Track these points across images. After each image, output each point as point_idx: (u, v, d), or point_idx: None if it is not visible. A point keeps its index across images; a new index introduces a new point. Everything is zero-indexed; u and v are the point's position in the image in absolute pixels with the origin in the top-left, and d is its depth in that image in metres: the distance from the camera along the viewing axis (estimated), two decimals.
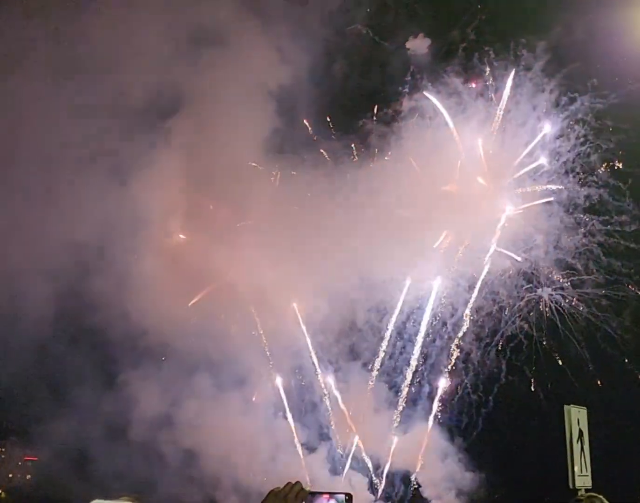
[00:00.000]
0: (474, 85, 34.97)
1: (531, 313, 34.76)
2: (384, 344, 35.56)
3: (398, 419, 35.57)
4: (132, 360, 34.95)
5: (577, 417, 17.73)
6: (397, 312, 35.31)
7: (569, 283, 34.33)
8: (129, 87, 33.15)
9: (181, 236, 34.90)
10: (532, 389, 33.71)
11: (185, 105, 34.57)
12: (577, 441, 17.72)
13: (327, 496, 5.31)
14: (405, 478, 35.80)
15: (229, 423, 34.57)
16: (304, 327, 35.40)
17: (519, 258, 34.50)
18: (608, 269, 33.98)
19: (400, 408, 35.64)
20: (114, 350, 34.87)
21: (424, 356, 35.61)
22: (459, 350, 35.03)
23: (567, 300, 34.22)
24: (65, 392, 34.47)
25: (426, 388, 35.72)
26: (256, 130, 34.99)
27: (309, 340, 35.43)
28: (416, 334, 35.73)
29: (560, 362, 33.74)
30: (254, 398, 35.61)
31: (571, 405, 17.82)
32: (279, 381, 36.09)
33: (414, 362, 35.43)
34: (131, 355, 34.83)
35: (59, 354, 34.01)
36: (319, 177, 34.99)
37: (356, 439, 35.44)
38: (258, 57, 34.57)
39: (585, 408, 17.94)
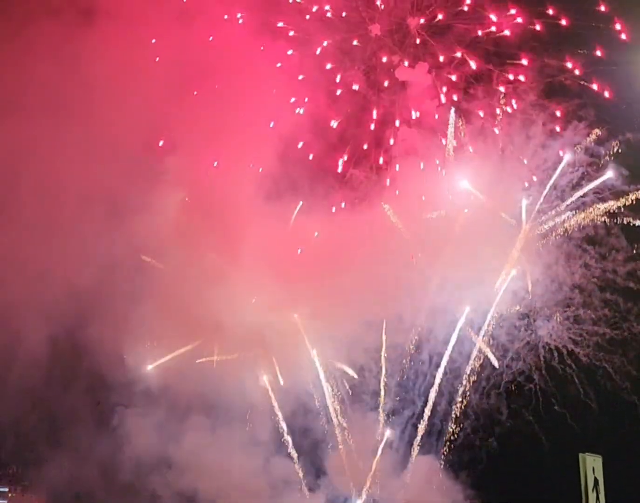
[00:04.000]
0: None
1: (530, 354, 34.42)
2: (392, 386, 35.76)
3: (406, 457, 35.47)
4: (129, 402, 34.71)
5: (592, 466, 17.52)
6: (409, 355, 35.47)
7: (569, 320, 34.21)
8: (128, 126, 32.94)
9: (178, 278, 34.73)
10: (534, 433, 33.23)
11: (182, 145, 34.67)
12: (593, 490, 17.54)
13: None
14: None
15: (228, 462, 34.08)
16: (318, 367, 35.20)
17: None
18: (607, 306, 33.99)
19: (406, 446, 35.47)
20: (110, 393, 34.68)
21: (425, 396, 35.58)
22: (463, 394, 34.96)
23: (566, 339, 34.07)
24: (63, 434, 34.32)
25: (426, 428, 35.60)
26: (253, 173, 34.97)
27: (322, 379, 35.72)
28: (416, 375, 35.74)
29: (556, 407, 33.48)
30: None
31: (586, 453, 17.70)
32: (280, 419, 35.43)
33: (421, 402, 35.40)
34: (128, 397, 34.68)
35: (55, 397, 34.01)
36: (314, 222, 35.11)
37: (359, 479, 35.29)
38: (255, 101, 34.70)
39: (600, 456, 17.74)
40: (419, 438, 35.26)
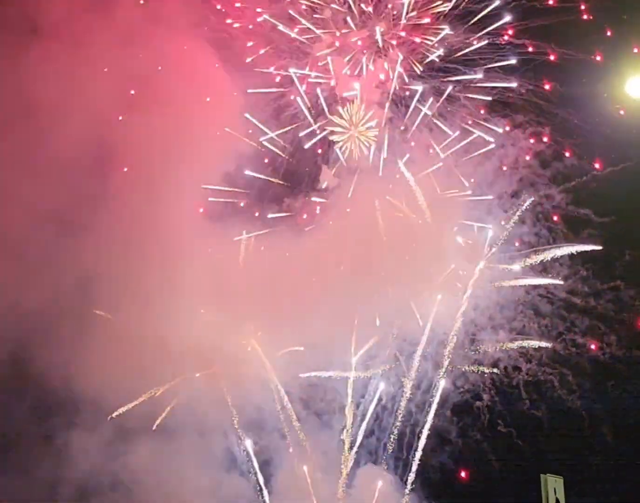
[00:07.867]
0: None
1: (477, 371, 34.45)
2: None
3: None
4: (75, 425, 34.31)
5: (553, 487, 17.95)
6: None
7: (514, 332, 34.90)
8: (74, 144, 32.57)
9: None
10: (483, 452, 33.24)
11: (128, 163, 34.57)
12: None
13: None
14: None
15: (181, 483, 33.97)
16: (282, 393, 35.22)
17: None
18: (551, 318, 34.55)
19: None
20: (55, 418, 34.23)
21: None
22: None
23: (512, 353, 34.86)
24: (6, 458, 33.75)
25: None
26: (199, 194, 35.40)
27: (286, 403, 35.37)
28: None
29: (500, 428, 33.06)
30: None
31: (547, 474, 18.10)
32: (248, 445, 35.35)
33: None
34: (74, 420, 34.17)
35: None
36: (259, 247, 35.56)
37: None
38: (203, 119, 34.87)
39: (561, 477, 18.17)
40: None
